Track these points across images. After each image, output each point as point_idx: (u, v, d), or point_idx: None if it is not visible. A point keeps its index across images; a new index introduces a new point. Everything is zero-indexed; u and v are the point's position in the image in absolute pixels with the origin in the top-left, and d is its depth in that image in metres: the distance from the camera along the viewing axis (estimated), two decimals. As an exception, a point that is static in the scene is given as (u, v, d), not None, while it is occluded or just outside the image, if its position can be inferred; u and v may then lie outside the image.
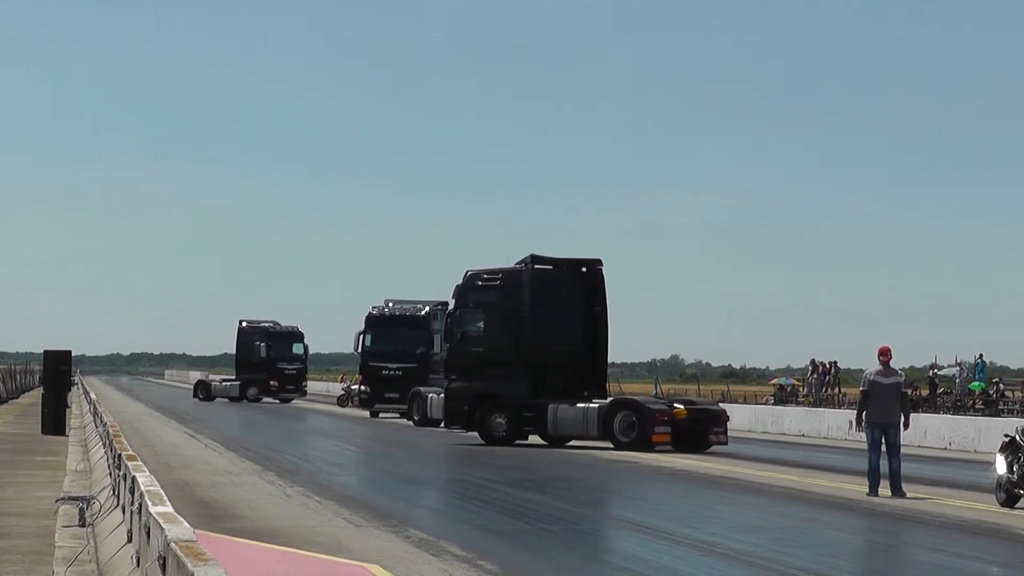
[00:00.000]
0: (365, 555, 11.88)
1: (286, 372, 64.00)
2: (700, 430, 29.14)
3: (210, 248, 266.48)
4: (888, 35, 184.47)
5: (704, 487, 20.74)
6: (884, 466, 18.77)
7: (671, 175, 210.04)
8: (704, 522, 15.72)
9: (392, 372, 47.98)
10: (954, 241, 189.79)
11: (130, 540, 10.53)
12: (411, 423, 41.23)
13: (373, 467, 25.46)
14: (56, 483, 18.63)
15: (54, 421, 30.65)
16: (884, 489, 18.58)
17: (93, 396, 37.25)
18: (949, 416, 39.16)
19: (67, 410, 33.04)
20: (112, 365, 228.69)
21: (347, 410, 55.32)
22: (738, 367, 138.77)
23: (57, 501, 14.56)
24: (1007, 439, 17.71)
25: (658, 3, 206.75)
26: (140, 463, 12.23)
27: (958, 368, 48.86)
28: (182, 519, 8.03)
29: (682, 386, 67.52)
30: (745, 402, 54.84)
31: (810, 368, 53.39)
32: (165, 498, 9.35)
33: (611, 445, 28.92)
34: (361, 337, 49.99)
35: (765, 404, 51.84)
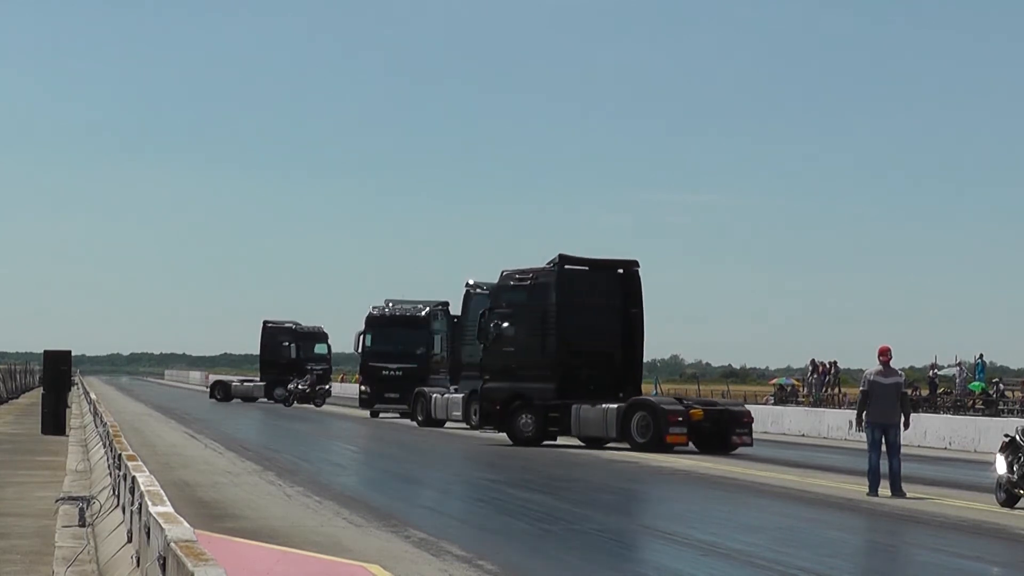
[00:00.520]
0: (365, 555, 11.88)
1: (315, 372, 63.79)
2: (722, 432, 28.75)
3: (210, 248, 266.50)
4: (889, 35, 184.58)
5: (704, 487, 20.74)
6: (884, 466, 18.77)
7: (671, 175, 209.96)
8: (704, 522, 15.72)
9: (392, 372, 47.99)
10: (954, 241, 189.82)
11: (130, 540, 10.53)
12: (415, 423, 41.23)
13: (373, 467, 25.46)
14: (56, 483, 18.62)
15: (54, 421, 30.65)
16: (884, 489, 18.58)
17: (93, 396, 37.25)
18: (949, 416, 39.16)
19: (67, 410, 33.04)
20: (112, 365, 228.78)
21: (347, 410, 55.24)
22: (738, 367, 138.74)
23: (57, 501, 14.56)
24: (1007, 439, 17.70)
25: (658, 3, 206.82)
26: (140, 463, 12.23)
27: (958, 368, 48.86)
28: (182, 519, 8.03)
29: (682, 386, 67.46)
30: (745, 402, 54.82)
31: (810, 368, 53.41)
32: (165, 498, 9.35)
33: (627, 446, 28.68)
34: (361, 337, 50.02)
35: (765, 404, 51.81)
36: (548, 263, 30.72)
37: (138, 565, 9.37)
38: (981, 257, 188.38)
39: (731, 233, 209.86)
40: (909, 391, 47.87)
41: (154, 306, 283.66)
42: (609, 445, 29.74)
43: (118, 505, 12.73)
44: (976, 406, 45.26)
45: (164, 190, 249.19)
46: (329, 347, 65.07)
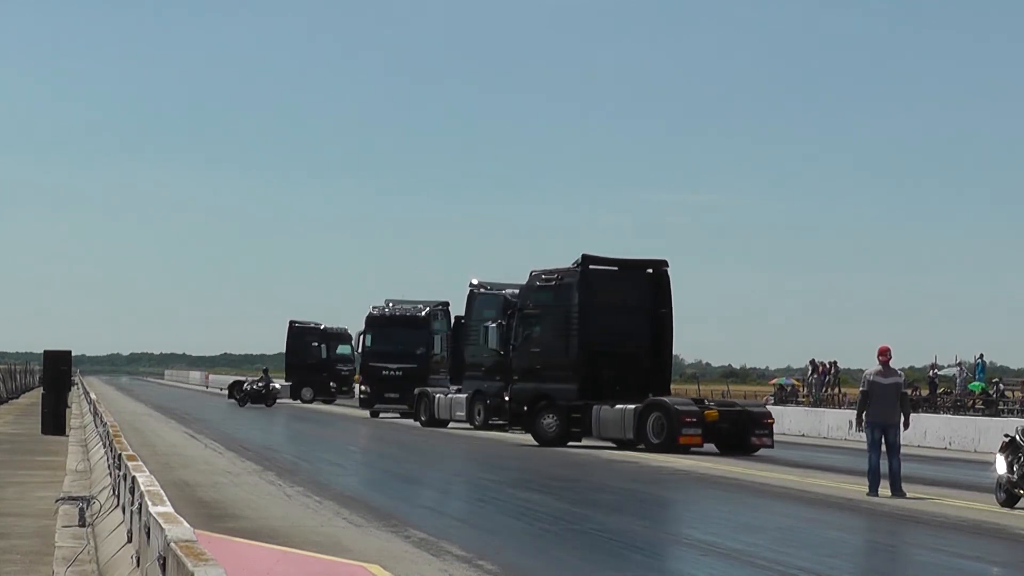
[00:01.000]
0: (365, 555, 11.88)
1: (342, 373, 63.51)
2: (741, 433, 28.48)
3: (210, 248, 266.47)
4: (889, 35, 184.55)
5: (704, 487, 20.74)
6: (884, 466, 18.77)
7: (671, 175, 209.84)
8: (704, 522, 15.71)
9: (392, 372, 48.01)
10: (954, 241, 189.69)
11: (130, 540, 10.54)
12: (417, 423, 41.23)
13: (373, 467, 25.45)
14: (56, 483, 18.62)
15: (54, 421, 30.64)
16: (884, 489, 18.58)
17: (93, 396, 37.25)
18: (949, 416, 39.16)
19: (67, 410, 33.04)
20: (112, 365, 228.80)
21: (348, 410, 55.25)
22: (738, 367, 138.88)
23: (57, 501, 14.56)
24: (1007, 439, 17.70)
25: (658, 3, 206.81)
26: (140, 463, 12.23)
27: (958, 368, 48.84)
28: (182, 519, 8.02)
29: (682, 386, 67.42)
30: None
31: (810, 368, 53.41)
32: (165, 498, 9.35)
33: (643, 446, 28.39)
34: (361, 337, 50.04)
35: (765, 404, 51.78)
36: (573, 263, 30.47)
37: (138, 565, 9.37)
38: (981, 257, 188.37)
39: (731, 233, 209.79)
40: (909, 391, 48.01)
41: (154, 306, 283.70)
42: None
43: (118, 505, 12.73)
44: (976, 406, 45.25)
45: (164, 190, 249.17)
46: (352, 348, 65.04)
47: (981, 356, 49.41)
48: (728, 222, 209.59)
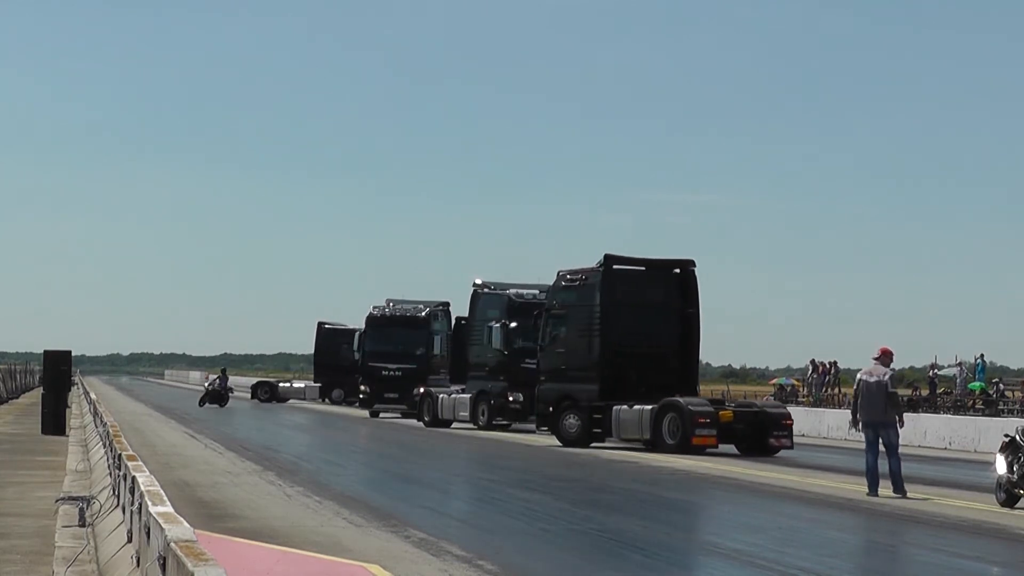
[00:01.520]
0: (365, 555, 11.88)
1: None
2: (759, 434, 28.27)
3: (210, 248, 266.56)
4: (889, 34, 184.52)
5: (704, 487, 20.73)
6: (884, 466, 18.73)
7: (671, 175, 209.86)
8: (704, 522, 15.71)
9: (391, 372, 48.04)
10: (954, 241, 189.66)
11: (130, 540, 10.53)
12: (420, 423, 41.23)
13: (373, 467, 25.44)
14: (56, 483, 18.62)
15: (54, 421, 30.65)
16: (885, 489, 18.57)
17: (93, 396, 37.25)
18: (949, 416, 39.15)
19: (67, 410, 33.04)
20: (112, 365, 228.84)
21: (348, 411, 55.23)
22: (738, 367, 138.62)
23: (57, 501, 14.56)
24: (1007, 439, 17.70)
25: (658, 3, 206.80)
26: (140, 463, 12.23)
27: (958, 368, 48.85)
28: (182, 519, 8.02)
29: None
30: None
31: (810, 368, 53.44)
32: (165, 498, 9.35)
33: (655, 447, 28.25)
34: (361, 337, 50.05)
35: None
36: (597, 263, 30.27)
37: (138, 565, 9.37)
38: (981, 257, 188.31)
39: (731, 233, 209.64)
40: (909, 391, 48.27)
41: (154, 306, 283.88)
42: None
43: (118, 505, 12.73)
44: (976, 406, 45.26)
45: (164, 190, 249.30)
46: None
47: (981, 356, 49.47)
48: (728, 222, 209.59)
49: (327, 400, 62.62)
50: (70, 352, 33.43)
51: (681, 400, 28.48)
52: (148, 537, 8.52)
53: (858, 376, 19.42)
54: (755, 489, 20.03)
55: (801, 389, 54.95)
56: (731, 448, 28.39)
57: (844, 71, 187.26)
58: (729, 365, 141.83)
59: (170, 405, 56.69)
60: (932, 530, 15.09)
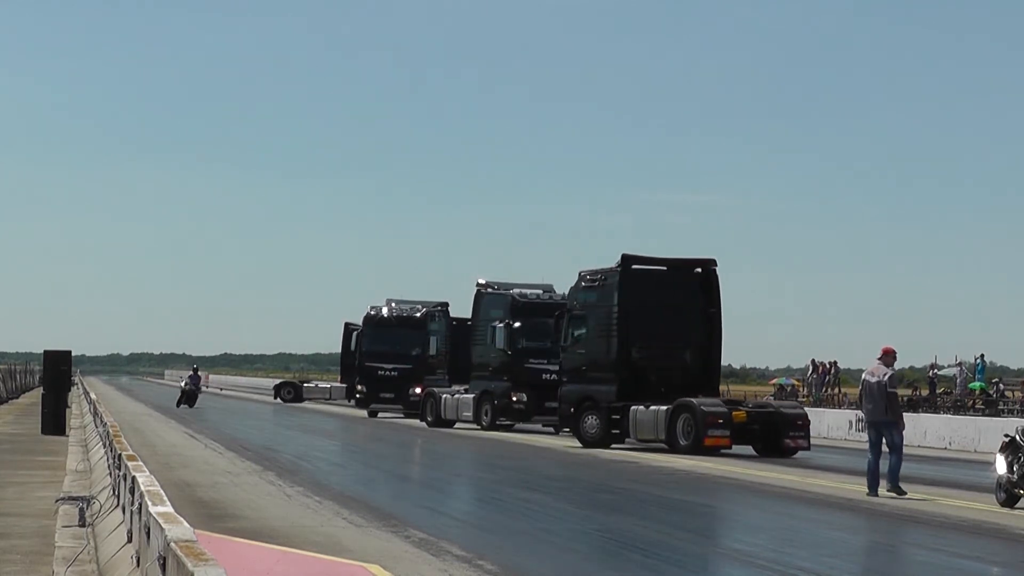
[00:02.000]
0: (365, 555, 11.88)
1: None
2: (774, 434, 28.11)
3: (210, 248, 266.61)
4: (889, 35, 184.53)
5: (704, 487, 20.72)
6: (885, 466, 18.73)
7: (671, 175, 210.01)
8: (704, 522, 15.70)
9: (388, 372, 48.09)
10: (954, 241, 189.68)
11: (130, 540, 10.53)
12: (423, 423, 41.22)
13: (373, 467, 25.44)
14: (56, 483, 18.62)
15: (54, 421, 30.64)
16: (884, 489, 18.57)
17: (93, 396, 37.25)
18: (949, 416, 39.14)
19: (67, 410, 33.03)
20: (112, 365, 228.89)
21: (347, 410, 55.20)
22: (738, 367, 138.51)
23: (57, 501, 14.56)
24: (1007, 439, 17.70)
25: (658, 3, 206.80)
26: (140, 463, 12.23)
27: (958, 368, 48.83)
28: (182, 519, 8.02)
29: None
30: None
31: (810, 368, 53.45)
32: (165, 498, 9.35)
33: (669, 447, 28.18)
34: (358, 337, 50.06)
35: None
36: (616, 263, 30.11)
37: (138, 565, 9.37)
38: (981, 257, 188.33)
39: (731, 233, 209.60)
40: (910, 391, 48.24)
41: (154, 306, 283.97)
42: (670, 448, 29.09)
43: (118, 505, 12.73)
44: (976, 406, 45.25)
45: (164, 190, 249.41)
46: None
47: (981, 356, 49.46)
48: (728, 222, 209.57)
49: (353, 401, 62.34)
50: (70, 352, 33.43)
51: (694, 401, 28.27)
52: (148, 537, 8.52)
53: (863, 376, 19.42)
54: (755, 489, 20.03)
55: (801, 389, 54.94)
56: (747, 449, 28.27)
57: (844, 71, 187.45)
58: (729, 365, 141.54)
59: (170, 405, 56.64)
60: (932, 530, 15.09)
